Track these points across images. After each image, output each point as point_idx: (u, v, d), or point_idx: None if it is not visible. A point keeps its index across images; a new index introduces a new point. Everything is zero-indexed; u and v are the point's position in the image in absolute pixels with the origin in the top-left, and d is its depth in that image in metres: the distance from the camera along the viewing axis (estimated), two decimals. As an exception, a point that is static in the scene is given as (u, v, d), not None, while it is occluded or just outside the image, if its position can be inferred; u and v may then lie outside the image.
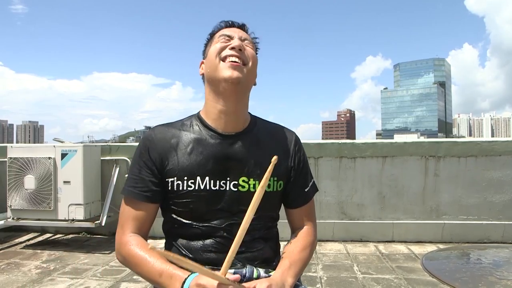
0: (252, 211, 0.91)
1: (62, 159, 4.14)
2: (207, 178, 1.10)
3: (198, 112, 1.21)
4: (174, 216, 1.13)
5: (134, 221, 1.10)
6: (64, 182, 4.13)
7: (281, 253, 1.17)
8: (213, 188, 1.10)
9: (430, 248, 4.10)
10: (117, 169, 4.50)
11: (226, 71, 1.08)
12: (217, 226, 1.08)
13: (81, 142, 5.27)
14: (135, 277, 3.40)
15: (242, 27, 1.20)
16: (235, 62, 1.08)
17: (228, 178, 1.11)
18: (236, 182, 1.11)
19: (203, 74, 1.18)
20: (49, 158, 4.15)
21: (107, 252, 4.11)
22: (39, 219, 4.27)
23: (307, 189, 1.25)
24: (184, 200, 1.11)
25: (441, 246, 4.17)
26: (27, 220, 4.29)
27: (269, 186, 1.10)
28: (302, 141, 1.30)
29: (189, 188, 1.10)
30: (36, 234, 4.91)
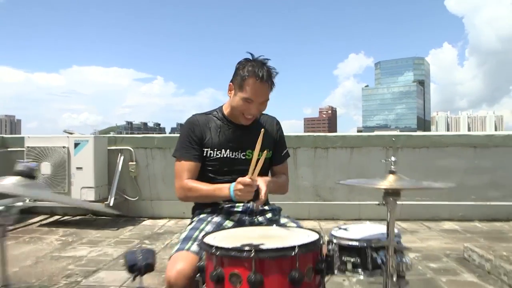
0: (255, 155, 1.58)
1: (75, 148, 4.76)
2: (228, 150, 1.79)
3: (222, 106, 1.88)
4: (207, 172, 1.82)
5: (188, 173, 1.77)
6: (77, 168, 4.75)
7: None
8: (230, 156, 1.79)
9: (390, 224, 4.89)
10: (122, 158, 5.15)
11: (243, 120, 1.77)
12: (232, 179, 1.76)
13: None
14: (144, 243, 4.07)
15: (269, 80, 1.70)
16: (250, 118, 1.78)
17: (240, 151, 1.80)
18: (244, 153, 1.81)
19: (230, 93, 1.81)
20: (64, 147, 4.76)
21: (115, 228, 4.76)
22: (53, 201, 4.87)
23: (283, 153, 1.96)
24: (213, 163, 1.79)
25: (401, 223, 4.96)
26: (43, 202, 4.89)
27: (265, 153, 1.78)
28: (284, 133, 2.03)
29: (216, 156, 1.79)
30: (46, 216, 5.50)
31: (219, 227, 1.64)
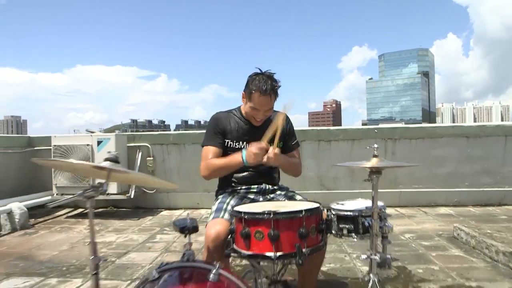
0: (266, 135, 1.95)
1: (98, 145, 5.19)
2: (244, 143, 2.17)
3: (240, 107, 2.26)
4: None
5: (211, 154, 2.13)
6: (100, 164, 5.17)
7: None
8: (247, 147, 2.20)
9: (389, 211, 5.27)
10: (140, 153, 5.57)
11: (254, 122, 2.17)
12: (248, 168, 2.16)
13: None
14: (165, 231, 4.50)
15: (273, 93, 2.05)
16: (259, 121, 2.16)
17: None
18: None
19: (243, 101, 2.20)
20: (87, 144, 5.20)
21: (136, 218, 5.19)
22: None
23: (293, 143, 2.35)
24: (232, 152, 2.19)
25: (399, 209, 5.36)
26: (70, 195, 5.32)
27: (277, 144, 2.18)
28: None
29: (235, 147, 2.18)
30: (70, 209, 5.96)
31: (240, 203, 2.04)
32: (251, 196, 2.14)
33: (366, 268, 3.04)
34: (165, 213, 5.55)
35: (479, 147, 5.33)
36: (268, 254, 1.49)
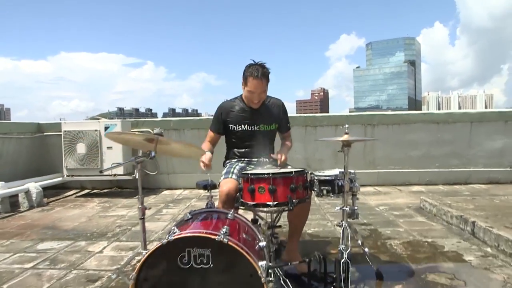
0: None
1: (105, 130, 5.68)
2: (246, 125, 2.71)
3: (242, 95, 2.76)
4: (233, 140, 2.78)
5: (209, 137, 2.71)
6: (107, 147, 5.69)
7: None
8: (248, 129, 2.72)
9: (368, 189, 5.92)
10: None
11: (252, 105, 2.68)
12: (249, 145, 2.72)
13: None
14: (169, 206, 5.06)
15: (263, 77, 2.61)
16: (256, 103, 2.70)
17: (255, 125, 2.72)
18: (258, 126, 2.72)
19: (242, 88, 2.76)
20: (96, 130, 5.69)
21: (141, 197, 5.72)
22: (88, 175, 5.83)
23: (288, 125, 2.92)
24: (236, 134, 2.73)
25: (377, 187, 6.00)
26: (79, 177, 5.85)
27: (273, 126, 2.74)
28: None
29: (238, 129, 2.73)
30: (77, 190, 6.46)
31: (244, 169, 2.61)
32: (252, 166, 2.71)
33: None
34: (166, 192, 6.11)
35: (448, 132, 5.98)
36: (268, 203, 2.07)
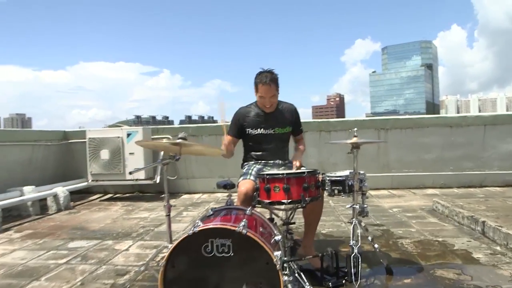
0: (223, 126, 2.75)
1: (127, 137, 5.97)
2: (262, 129, 2.90)
3: (256, 101, 2.96)
4: (250, 144, 2.97)
5: (227, 141, 2.89)
6: (129, 153, 5.96)
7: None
8: (263, 133, 2.91)
9: (382, 192, 6.03)
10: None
11: (265, 109, 2.87)
12: (266, 147, 2.91)
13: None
14: (189, 209, 5.28)
15: (272, 82, 2.80)
16: (268, 107, 2.88)
17: (270, 128, 2.91)
18: (273, 130, 2.91)
19: (255, 94, 2.95)
20: (118, 137, 5.97)
21: (161, 201, 5.93)
22: (111, 180, 6.11)
23: (300, 128, 3.10)
24: (253, 138, 2.92)
25: (392, 191, 6.10)
26: (103, 181, 6.13)
27: (286, 129, 2.93)
28: None
29: (255, 133, 2.91)
30: (101, 194, 6.75)
31: (261, 170, 2.79)
32: (268, 168, 2.89)
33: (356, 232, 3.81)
34: (185, 196, 6.33)
35: (461, 135, 6.05)
36: (283, 201, 2.25)
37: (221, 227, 1.77)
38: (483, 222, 3.44)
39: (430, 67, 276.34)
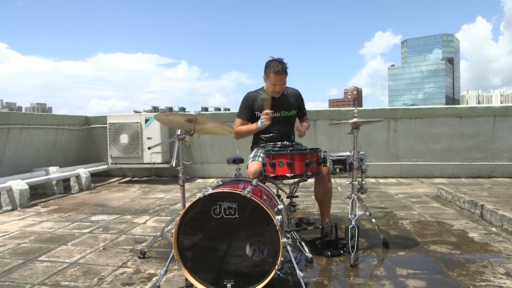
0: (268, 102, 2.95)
1: (145, 123, 6.25)
2: (270, 112, 3.13)
3: (263, 87, 3.17)
4: None
5: (239, 124, 3.10)
6: (147, 138, 6.25)
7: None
8: (271, 116, 3.14)
9: (391, 181, 6.18)
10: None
11: (274, 94, 3.06)
12: (273, 130, 3.12)
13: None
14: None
15: (283, 72, 3.01)
16: (278, 93, 3.09)
17: (277, 112, 3.12)
18: (280, 113, 3.12)
19: (265, 81, 3.16)
20: (137, 122, 6.27)
21: (177, 184, 6.21)
22: (130, 163, 6.42)
23: (304, 111, 3.30)
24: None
25: (400, 179, 6.24)
26: (122, 164, 6.45)
27: (292, 112, 3.13)
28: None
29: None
30: (119, 177, 7.10)
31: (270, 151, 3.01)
32: (276, 149, 3.11)
33: (360, 212, 4.00)
34: (200, 180, 6.61)
35: (471, 126, 6.13)
36: (287, 174, 2.47)
37: (228, 192, 2.00)
38: (482, 205, 3.59)
39: (451, 61, 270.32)
